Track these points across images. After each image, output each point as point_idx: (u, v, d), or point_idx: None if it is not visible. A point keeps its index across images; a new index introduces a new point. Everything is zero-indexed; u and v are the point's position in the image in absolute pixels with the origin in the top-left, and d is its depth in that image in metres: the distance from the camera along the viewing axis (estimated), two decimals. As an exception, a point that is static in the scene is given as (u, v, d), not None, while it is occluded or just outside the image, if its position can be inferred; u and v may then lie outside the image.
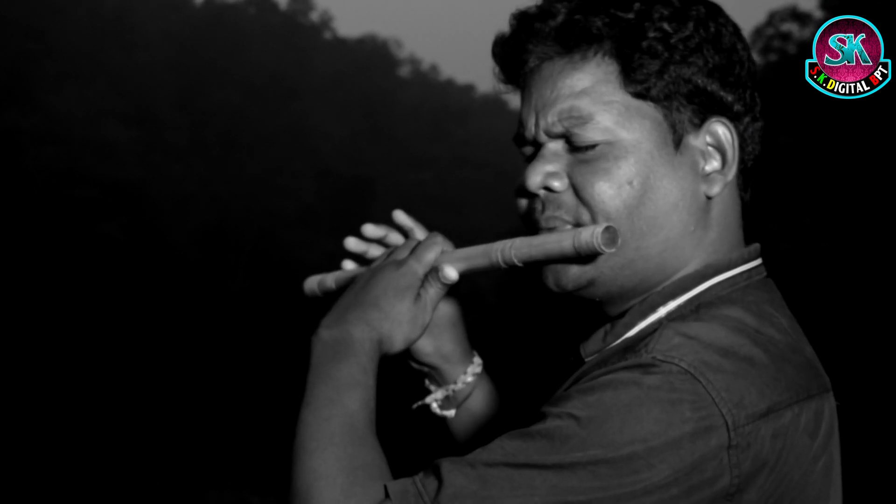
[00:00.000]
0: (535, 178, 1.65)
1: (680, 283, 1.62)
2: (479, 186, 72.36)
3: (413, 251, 1.78)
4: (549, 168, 1.64)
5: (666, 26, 1.60)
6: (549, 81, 1.65)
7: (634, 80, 1.60)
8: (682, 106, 1.62)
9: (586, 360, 1.66)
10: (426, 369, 1.95)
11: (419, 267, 1.75)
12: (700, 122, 1.63)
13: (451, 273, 1.74)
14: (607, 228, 1.54)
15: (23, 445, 18.46)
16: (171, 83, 57.62)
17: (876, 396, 15.19)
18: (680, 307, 1.60)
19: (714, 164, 1.64)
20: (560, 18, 1.63)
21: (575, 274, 1.65)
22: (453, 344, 1.92)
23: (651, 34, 1.60)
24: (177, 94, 57.01)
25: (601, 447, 1.39)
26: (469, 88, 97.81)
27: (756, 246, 1.68)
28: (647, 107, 1.61)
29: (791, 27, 29.86)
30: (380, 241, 1.98)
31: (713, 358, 1.44)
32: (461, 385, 1.94)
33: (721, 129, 1.64)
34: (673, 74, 1.60)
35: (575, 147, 1.63)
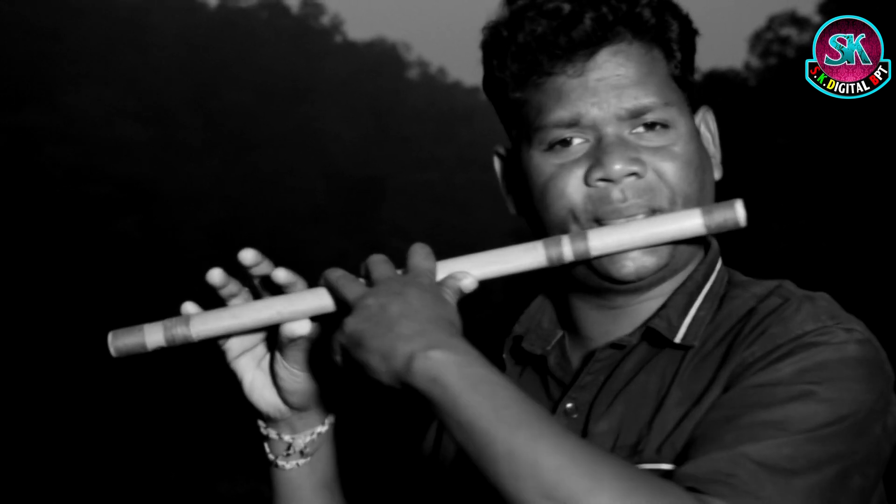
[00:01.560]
0: (621, 164, 1.58)
1: (709, 261, 1.68)
2: (485, 187, 72.29)
3: (410, 264, 1.51)
4: (632, 153, 1.59)
5: (681, 18, 1.66)
6: (612, 66, 1.60)
7: (677, 67, 1.65)
8: (690, 95, 1.69)
9: (678, 341, 1.60)
10: (290, 415, 1.68)
11: (433, 277, 1.51)
12: (693, 110, 1.70)
13: (473, 282, 1.53)
14: (742, 203, 1.50)
15: (35, 437, 18.47)
16: (185, 84, 57.65)
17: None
18: (714, 285, 1.66)
19: (711, 150, 1.71)
20: (622, 6, 1.61)
21: (659, 258, 1.61)
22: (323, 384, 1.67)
23: (677, 26, 1.65)
24: (190, 95, 57.03)
25: (849, 410, 1.43)
26: (476, 91, 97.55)
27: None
28: (683, 94, 1.67)
29: (790, 31, 29.83)
30: (247, 271, 1.64)
31: (856, 324, 1.53)
32: (327, 426, 1.70)
33: (712, 118, 1.73)
34: (691, 64, 1.68)
35: (644, 132, 1.61)
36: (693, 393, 1.54)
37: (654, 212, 1.60)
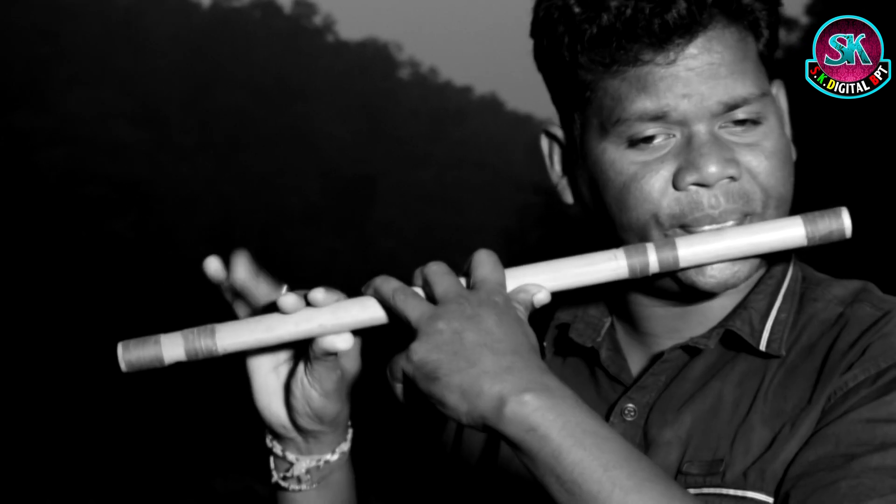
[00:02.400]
0: (717, 167, 1.38)
1: (783, 258, 1.50)
2: (476, 185, 72.40)
3: (479, 276, 1.31)
4: (727, 154, 1.40)
5: None
6: (706, 54, 1.40)
7: (766, 47, 1.46)
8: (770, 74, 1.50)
9: (763, 348, 1.42)
10: (296, 434, 1.47)
11: (504, 291, 1.30)
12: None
13: (546, 297, 1.34)
14: (847, 212, 1.35)
15: (31, 435, 18.44)
16: (179, 85, 57.62)
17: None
18: (791, 281, 1.49)
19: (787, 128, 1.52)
20: None
21: (749, 268, 1.43)
22: (344, 403, 1.45)
23: (767, 3, 1.46)
24: (184, 96, 57.01)
25: None
26: (467, 90, 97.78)
27: None
28: (768, 76, 1.48)
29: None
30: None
31: None
32: (338, 455, 1.49)
33: (783, 93, 1.53)
34: (776, 42, 1.48)
35: (737, 128, 1.42)
36: (782, 411, 1.38)
37: (746, 217, 1.41)
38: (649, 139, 1.42)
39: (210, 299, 1.51)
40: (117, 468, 17.06)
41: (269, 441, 1.50)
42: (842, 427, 1.29)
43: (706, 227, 1.40)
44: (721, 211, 1.40)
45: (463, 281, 1.32)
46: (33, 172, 39.43)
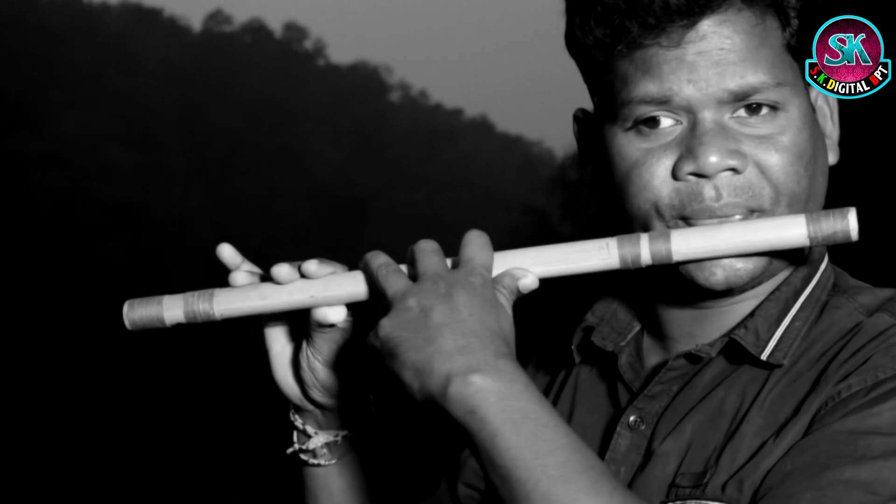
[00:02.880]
0: (717, 157, 1.31)
1: (812, 260, 1.41)
2: (468, 206, 72.44)
3: (465, 256, 1.29)
4: (732, 145, 1.32)
5: None
6: (717, 38, 1.32)
7: (794, 36, 1.36)
8: (803, 64, 1.40)
9: (765, 358, 1.35)
10: (313, 408, 1.48)
11: (488, 274, 1.28)
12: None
13: (534, 281, 1.31)
14: (855, 213, 1.27)
15: (24, 450, 18.39)
16: (172, 108, 57.66)
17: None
18: (815, 290, 1.40)
19: (828, 128, 1.44)
20: None
21: (755, 267, 1.35)
22: (350, 376, 1.46)
23: None
24: (177, 119, 57.04)
25: None
26: (457, 112, 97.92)
27: None
28: (798, 67, 1.38)
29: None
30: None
31: None
32: (339, 438, 1.50)
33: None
34: (810, 31, 1.38)
35: (748, 117, 1.34)
36: (776, 422, 1.31)
37: (752, 213, 1.34)
38: (653, 123, 1.35)
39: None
40: (113, 493, 17.00)
41: (291, 414, 1.50)
42: (821, 436, 1.23)
43: (706, 221, 1.34)
44: (723, 204, 1.33)
45: (451, 262, 1.30)
46: (27, 196, 39.40)
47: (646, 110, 1.35)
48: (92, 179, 42.97)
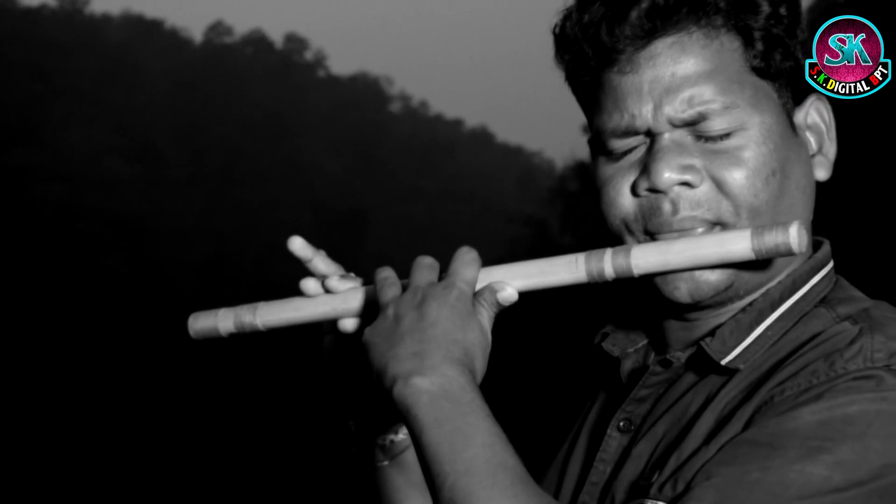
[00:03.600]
0: (669, 172, 1.35)
1: (796, 275, 1.42)
2: (466, 217, 72.47)
3: (450, 270, 1.38)
4: (685, 160, 1.36)
5: None
6: (668, 62, 1.37)
7: (758, 56, 1.38)
8: (787, 84, 1.41)
9: (725, 363, 1.39)
10: (363, 411, 1.59)
11: (467, 287, 1.36)
12: (799, 100, 1.44)
13: (513, 293, 1.38)
14: (800, 226, 1.29)
15: (24, 461, 18.40)
16: (172, 121, 57.72)
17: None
18: (799, 302, 1.41)
19: (815, 146, 1.45)
20: None
21: (717, 280, 1.38)
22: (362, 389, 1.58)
23: (765, 7, 1.38)
24: (177, 131, 57.11)
25: (869, 474, 1.22)
26: (457, 123, 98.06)
27: (824, 238, 1.50)
28: (767, 86, 1.39)
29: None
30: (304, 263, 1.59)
31: None
32: (402, 435, 1.57)
33: (822, 108, 1.45)
34: (784, 50, 1.39)
35: (706, 136, 1.37)
36: (722, 424, 1.34)
37: (714, 226, 1.37)
38: (620, 152, 1.42)
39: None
40: (111, 489, 17.00)
41: (350, 421, 1.60)
42: (745, 440, 1.27)
43: (667, 235, 1.38)
44: (680, 218, 1.37)
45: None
46: (29, 209, 39.43)
47: (616, 143, 1.41)
48: (93, 191, 43.00)
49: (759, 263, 1.37)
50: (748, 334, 1.39)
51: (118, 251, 41.38)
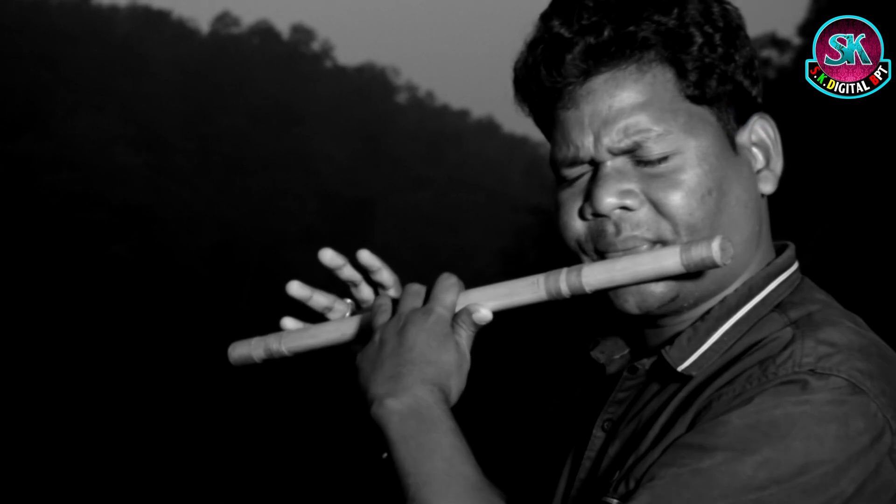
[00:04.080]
0: (609, 198, 1.48)
1: (752, 283, 1.53)
2: (472, 206, 72.41)
3: (431, 295, 1.53)
4: (624, 186, 1.48)
5: (707, 28, 1.50)
6: (605, 96, 1.49)
7: (691, 84, 1.49)
8: (728, 106, 1.52)
9: (681, 370, 1.49)
10: None
11: (445, 311, 1.51)
12: (743, 120, 1.54)
13: (487, 314, 1.51)
14: (722, 241, 1.40)
15: (33, 446, 18.43)
16: (179, 109, 57.71)
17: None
18: (756, 307, 1.51)
19: (762, 161, 1.56)
20: (605, 31, 1.49)
21: (662, 293, 1.49)
22: None
23: (697, 38, 1.49)
24: (184, 120, 57.09)
25: (790, 471, 1.31)
26: (463, 113, 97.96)
27: (789, 242, 1.61)
28: (704, 111, 1.50)
29: (770, 53, 29.89)
30: (332, 273, 1.74)
31: (862, 364, 1.38)
32: None
33: (767, 125, 1.56)
34: (720, 76, 1.50)
35: (644, 161, 1.49)
36: (669, 427, 1.45)
37: (655, 244, 1.49)
38: (570, 179, 1.55)
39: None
40: (115, 494, 17.02)
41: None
42: (683, 442, 1.37)
43: (615, 254, 1.50)
44: (623, 238, 1.50)
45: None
46: (36, 197, 39.44)
47: (567, 172, 1.55)
48: (100, 180, 42.98)
49: (697, 275, 1.48)
50: (704, 341, 1.49)
51: (126, 239, 41.38)
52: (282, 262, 49.71)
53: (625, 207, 1.49)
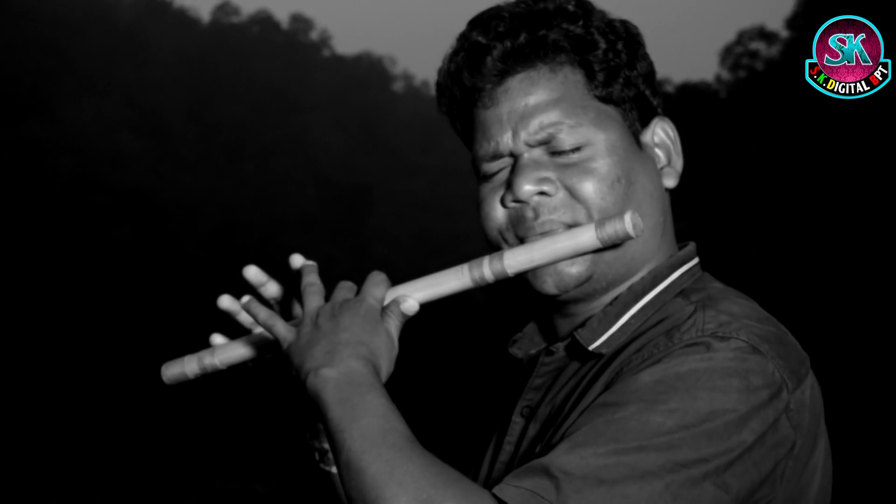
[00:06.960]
0: (528, 185, 1.59)
1: (657, 271, 1.64)
2: (467, 193, 72.27)
3: (362, 289, 1.62)
4: (541, 174, 1.60)
5: (611, 35, 1.63)
6: (521, 94, 1.62)
7: (599, 85, 1.62)
8: (632, 108, 1.65)
9: (592, 348, 1.60)
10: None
11: (376, 303, 1.59)
12: (645, 122, 1.68)
13: (413, 304, 1.59)
14: (632, 214, 1.50)
15: (34, 434, 18.41)
16: (181, 97, 57.58)
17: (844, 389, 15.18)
18: (661, 294, 1.62)
19: (663, 159, 1.69)
20: (521, 36, 1.61)
21: (577, 272, 1.60)
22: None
23: (602, 43, 1.62)
24: (186, 107, 56.98)
25: (697, 418, 1.38)
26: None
27: (691, 241, 1.72)
28: (611, 110, 1.63)
29: (759, 45, 29.89)
30: (254, 292, 1.81)
31: (760, 330, 1.48)
32: None
33: (667, 127, 1.69)
34: (625, 80, 1.63)
35: (558, 152, 1.60)
36: (581, 400, 1.55)
37: (572, 226, 1.60)
38: (491, 173, 1.67)
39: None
40: (120, 468, 17.02)
41: (307, 436, 1.82)
42: (598, 403, 1.44)
43: (535, 238, 1.61)
44: (542, 221, 1.61)
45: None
46: (40, 181, 39.38)
47: (486, 167, 1.67)
48: (103, 165, 42.93)
49: (613, 249, 1.58)
50: (613, 323, 1.60)
51: (128, 223, 41.34)
52: (281, 247, 49.69)
53: (542, 193, 1.60)
